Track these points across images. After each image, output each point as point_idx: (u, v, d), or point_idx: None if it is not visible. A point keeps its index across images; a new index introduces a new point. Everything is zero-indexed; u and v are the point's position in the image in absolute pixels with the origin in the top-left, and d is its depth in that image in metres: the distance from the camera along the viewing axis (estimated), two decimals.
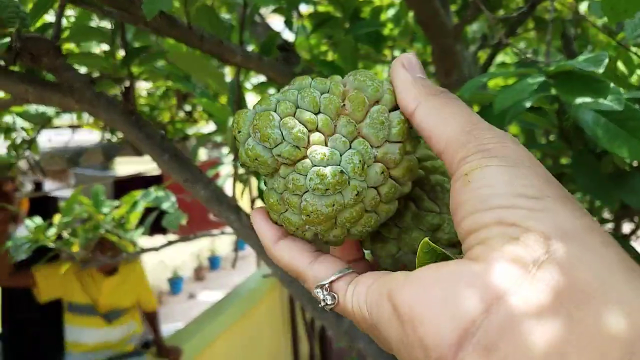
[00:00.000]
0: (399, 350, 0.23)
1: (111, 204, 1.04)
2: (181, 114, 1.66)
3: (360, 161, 0.27)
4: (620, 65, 0.96)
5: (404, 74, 0.29)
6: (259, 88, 1.06)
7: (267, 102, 0.29)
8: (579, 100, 0.54)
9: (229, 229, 1.01)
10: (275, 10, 0.86)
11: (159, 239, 2.12)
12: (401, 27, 0.87)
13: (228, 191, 0.93)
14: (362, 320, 0.26)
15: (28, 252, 1.02)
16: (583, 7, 0.97)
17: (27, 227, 1.09)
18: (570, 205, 0.22)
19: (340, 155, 0.27)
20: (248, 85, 1.22)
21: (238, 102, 0.86)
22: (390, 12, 0.96)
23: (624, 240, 0.58)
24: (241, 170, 1.07)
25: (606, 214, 0.99)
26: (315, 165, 0.27)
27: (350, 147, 0.28)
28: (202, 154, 3.02)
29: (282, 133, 0.27)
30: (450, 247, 0.32)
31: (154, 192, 0.97)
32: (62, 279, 1.84)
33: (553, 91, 0.56)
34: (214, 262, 6.01)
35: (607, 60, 0.55)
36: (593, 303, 0.18)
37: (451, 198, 0.25)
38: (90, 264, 1.15)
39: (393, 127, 0.28)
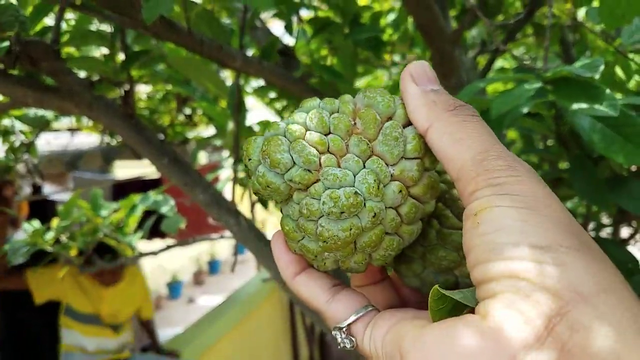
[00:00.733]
0: None
1: (110, 207, 1.04)
2: (181, 118, 1.66)
3: (375, 180, 0.26)
4: (618, 70, 0.97)
5: (414, 89, 0.27)
6: (259, 92, 1.07)
7: (275, 127, 0.28)
8: (575, 106, 0.54)
9: (228, 233, 1.01)
10: (275, 15, 0.87)
11: (158, 243, 2.12)
12: (400, 33, 0.87)
13: (228, 195, 0.93)
14: None
15: (26, 255, 1.02)
16: (581, 14, 0.98)
17: (26, 231, 1.09)
18: (586, 257, 0.21)
19: (354, 176, 0.26)
20: (248, 89, 1.22)
21: (238, 106, 0.87)
22: (390, 18, 0.97)
23: (621, 247, 0.58)
24: (241, 174, 1.07)
25: (605, 219, 0.99)
26: (328, 188, 0.26)
27: (364, 167, 0.26)
28: (203, 158, 3.02)
29: (292, 157, 0.26)
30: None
31: (153, 195, 0.97)
32: (58, 283, 1.83)
33: (550, 97, 0.56)
34: (213, 266, 5.99)
35: (602, 66, 0.55)
36: None
37: (463, 238, 0.24)
38: (88, 268, 1.15)
39: (408, 142, 0.27)
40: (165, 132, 1.61)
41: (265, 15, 1.14)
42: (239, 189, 1.08)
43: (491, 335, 0.20)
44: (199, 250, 5.75)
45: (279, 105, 1.13)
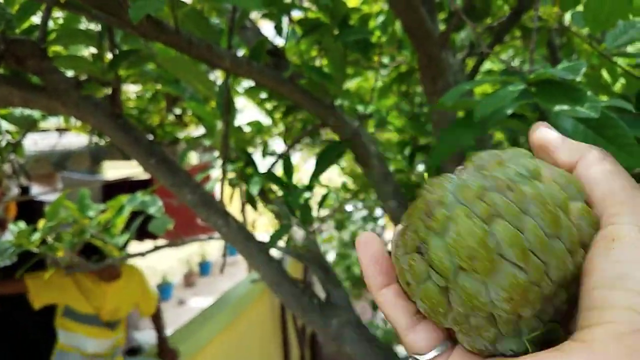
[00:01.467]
0: None
1: (97, 208, 1.03)
2: (171, 118, 1.65)
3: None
4: (604, 74, 0.98)
5: (552, 133, 0.28)
6: (250, 92, 1.06)
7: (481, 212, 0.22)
8: (558, 107, 0.55)
9: (218, 234, 1.01)
10: (265, 16, 0.87)
11: (149, 245, 2.11)
12: (388, 35, 0.88)
13: (219, 195, 0.93)
14: None
15: (11, 257, 1.01)
16: (568, 17, 0.99)
17: (12, 232, 1.08)
18: None
19: None
20: (240, 89, 1.22)
21: (227, 106, 0.87)
22: (380, 19, 0.97)
23: None
24: (230, 174, 1.07)
25: None
26: None
27: None
28: (194, 158, 3.01)
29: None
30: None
31: (140, 196, 0.96)
32: (57, 286, 1.82)
33: (534, 99, 0.57)
34: (204, 267, 5.96)
35: (584, 69, 0.56)
36: None
37: (588, 256, 0.23)
38: (75, 270, 1.13)
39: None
40: (154, 132, 1.60)
41: (256, 16, 1.14)
42: (228, 189, 1.07)
43: None
44: (190, 252, 5.72)
45: (269, 105, 1.13)
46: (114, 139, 0.79)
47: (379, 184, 0.88)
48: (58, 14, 0.97)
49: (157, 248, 0.93)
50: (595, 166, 0.25)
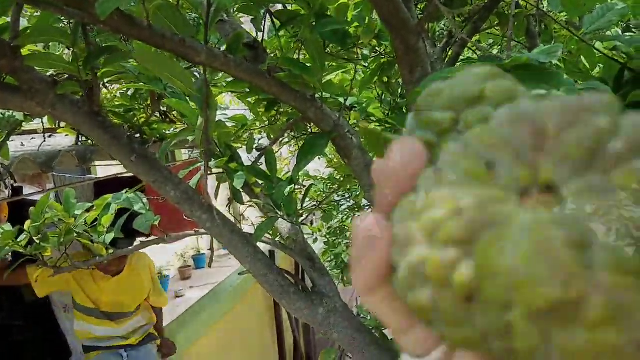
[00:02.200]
0: None
1: (83, 206, 1.03)
2: (157, 115, 1.64)
3: None
4: (583, 60, 0.99)
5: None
6: (232, 86, 1.06)
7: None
8: (534, 92, 0.55)
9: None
10: (240, 9, 0.86)
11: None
12: (365, 26, 0.87)
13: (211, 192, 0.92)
14: None
15: (3, 255, 1.01)
16: (546, 3, 0.99)
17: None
18: None
19: None
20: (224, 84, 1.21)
21: (207, 102, 0.86)
22: (358, 10, 0.97)
23: None
24: (215, 170, 1.07)
25: None
26: None
27: None
28: (183, 156, 2.99)
29: None
30: None
31: (126, 193, 0.96)
32: (59, 277, 1.85)
33: None
34: (199, 260, 5.97)
35: (560, 52, 0.56)
36: None
37: None
38: (64, 270, 1.13)
39: None
40: (141, 131, 1.59)
41: (235, 10, 1.13)
42: (214, 184, 1.07)
43: None
44: (184, 245, 5.72)
45: (252, 99, 1.13)
46: (93, 137, 0.79)
47: (360, 175, 0.89)
48: (36, 14, 0.96)
49: (143, 243, 0.93)
50: None
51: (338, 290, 0.97)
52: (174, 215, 1.71)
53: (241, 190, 1.00)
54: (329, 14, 0.85)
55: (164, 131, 1.69)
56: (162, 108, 1.61)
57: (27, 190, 2.82)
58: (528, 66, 0.59)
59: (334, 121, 0.87)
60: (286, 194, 0.89)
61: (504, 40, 1.14)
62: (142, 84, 1.04)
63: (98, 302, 1.97)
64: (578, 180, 0.14)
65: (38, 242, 0.99)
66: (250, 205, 1.21)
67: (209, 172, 0.93)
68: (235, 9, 0.96)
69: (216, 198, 1.06)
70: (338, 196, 2.22)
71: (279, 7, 0.96)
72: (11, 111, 1.22)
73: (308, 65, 0.83)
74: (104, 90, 1.55)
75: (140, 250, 1.57)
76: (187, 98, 1.04)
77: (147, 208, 0.96)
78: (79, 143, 1.58)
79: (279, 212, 0.93)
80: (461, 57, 1.10)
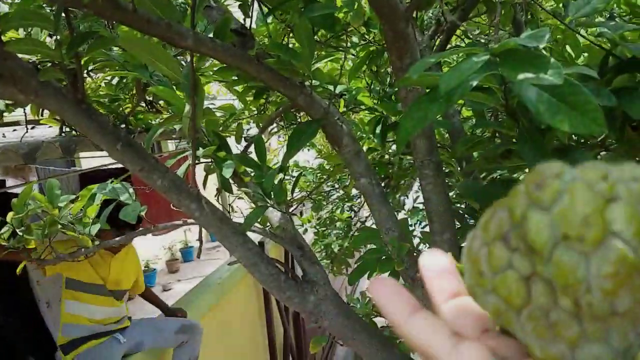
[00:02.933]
0: None
1: (67, 198, 1.01)
2: (143, 104, 1.61)
3: None
4: (568, 48, 1.00)
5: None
6: (220, 73, 1.04)
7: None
8: (521, 76, 0.55)
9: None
10: None
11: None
12: (354, 11, 0.87)
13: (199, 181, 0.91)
14: None
15: None
16: None
17: None
18: None
19: None
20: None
21: (194, 88, 0.85)
22: None
23: None
24: (203, 159, 1.05)
25: None
26: None
27: None
28: (172, 147, 2.95)
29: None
30: None
31: (111, 184, 0.94)
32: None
33: (499, 69, 0.57)
34: (187, 254, 5.93)
35: (548, 36, 0.56)
36: None
37: None
38: (49, 262, 1.11)
39: None
40: (126, 121, 1.56)
41: None
42: (203, 174, 1.06)
43: None
44: (172, 238, 5.68)
45: (240, 88, 1.11)
46: (78, 125, 0.77)
47: (350, 162, 0.88)
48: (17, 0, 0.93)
49: (131, 235, 0.92)
50: None
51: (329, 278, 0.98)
52: (162, 206, 1.69)
53: (230, 180, 0.99)
54: None
55: (150, 121, 1.67)
56: (148, 97, 1.59)
57: (10, 183, 2.77)
58: (515, 51, 0.59)
59: (323, 108, 0.87)
60: (276, 182, 0.89)
61: (491, 29, 1.14)
62: (127, 71, 1.02)
63: (106, 279, 2.04)
64: None
65: (21, 234, 0.97)
66: (240, 197, 1.20)
67: (196, 162, 0.92)
68: None
69: (204, 187, 1.05)
70: (327, 186, 2.22)
71: None
72: None
73: (297, 51, 0.82)
74: (88, 80, 1.51)
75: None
76: (174, 86, 1.02)
77: (134, 198, 0.94)
78: (63, 134, 1.55)
79: (268, 201, 0.92)
80: (449, 45, 1.10)
